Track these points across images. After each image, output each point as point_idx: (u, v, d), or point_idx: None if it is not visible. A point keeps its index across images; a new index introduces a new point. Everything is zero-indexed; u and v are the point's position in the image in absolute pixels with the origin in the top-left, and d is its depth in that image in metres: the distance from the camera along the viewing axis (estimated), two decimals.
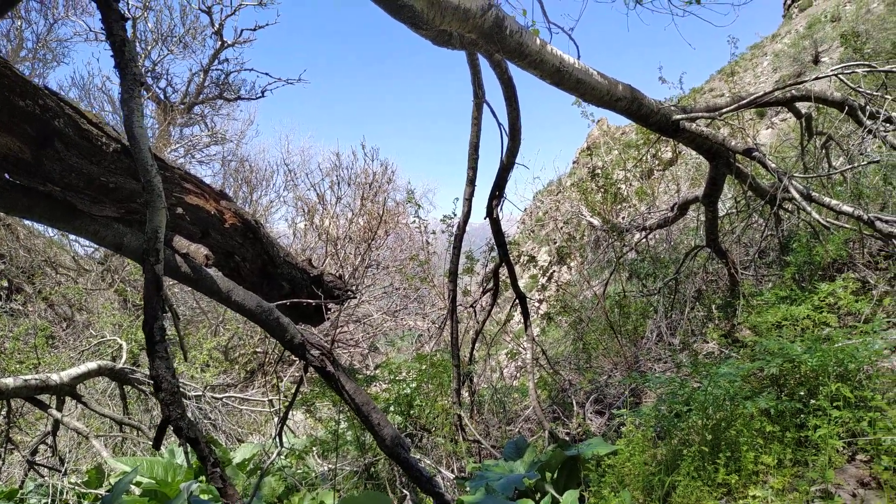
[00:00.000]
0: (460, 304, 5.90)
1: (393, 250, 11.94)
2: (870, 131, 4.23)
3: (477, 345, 5.75)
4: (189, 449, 2.14)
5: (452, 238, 5.58)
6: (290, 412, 6.67)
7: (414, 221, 9.16)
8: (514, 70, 4.26)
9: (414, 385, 5.35)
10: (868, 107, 4.23)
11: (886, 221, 4.12)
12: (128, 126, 2.01)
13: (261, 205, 15.00)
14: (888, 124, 4.30)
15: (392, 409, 5.19)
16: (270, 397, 7.38)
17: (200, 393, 6.62)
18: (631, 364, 5.35)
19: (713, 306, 5.70)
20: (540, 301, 13.65)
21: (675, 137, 4.39)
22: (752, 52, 38.71)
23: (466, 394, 5.48)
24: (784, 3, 47.94)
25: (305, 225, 12.39)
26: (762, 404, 3.16)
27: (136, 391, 6.40)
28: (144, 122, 2.09)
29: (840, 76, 3.98)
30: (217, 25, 16.71)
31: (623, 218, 7.90)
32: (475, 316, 5.83)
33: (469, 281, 7.78)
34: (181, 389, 6.52)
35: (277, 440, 3.33)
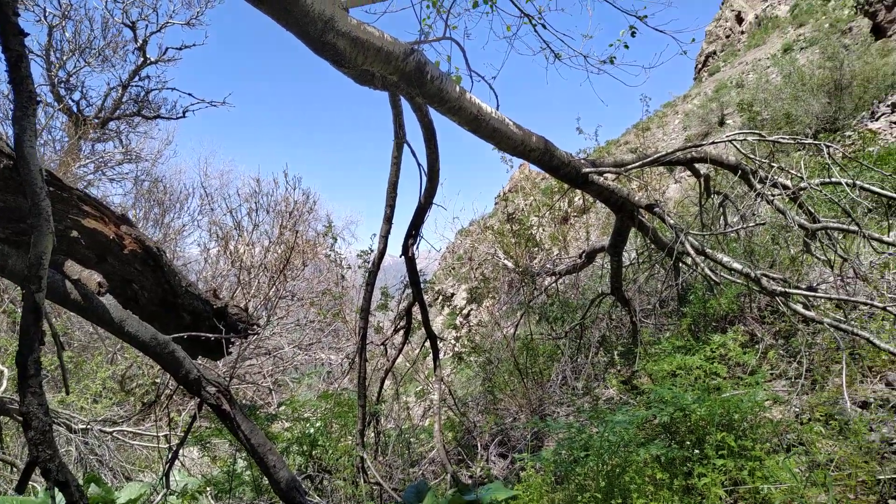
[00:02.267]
0: (371, 342, 5.84)
1: (310, 282, 11.70)
2: (760, 195, 4.56)
3: (387, 384, 5.68)
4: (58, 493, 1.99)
5: (367, 274, 5.54)
6: (187, 449, 6.32)
7: (330, 254, 9.04)
8: (437, 113, 4.34)
9: (318, 424, 5.20)
10: (759, 172, 4.57)
11: (772, 279, 4.42)
12: (18, 145, 1.91)
13: (172, 228, 14.41)
14: (775, 189, 4.65)
15: (293, 449, 5.02)
16: (165, 432, 6.97)
17: (87, 426, 6.16)
18: (535, 407, 5.43)
19: (615, 352, 5.90)
20: (456, 339, 13.71)
21: (584, 189, 4.58)
22: (665, 110, 41.30)
23: (372, 434, 5.39)
24: (695, 67, 51.68)
25: (219, 251, 11.97)
26: (654, 451, 3.27)
27: (17, 423, 5.89)
28: (37, 141, 1.98)
29: (734, 142, 4.30)
30: (141, 41, 16.16)
31: (536, 262, 8.10)
32: (386, 354, 5.78)
33: (383, 318, 7.72)
34: (68, 422, 6.05)
35: (164, 480, 3.14)
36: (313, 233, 12.22)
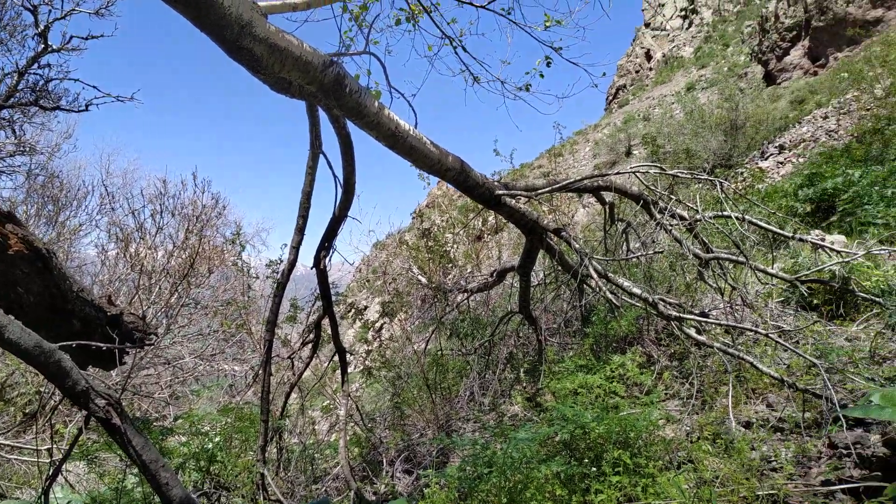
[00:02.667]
0: (277, 355, 5.69)
1: (215, 290, 11.25)
2: (659, 224, 4.84)
3: (292, 398, 5.54)
4: None
5: (276, 285, 5.40)
6: (72, 464, 5.89)
7: (237, 262, 8.74)
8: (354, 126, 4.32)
9: (218, 439, 4.99)
10: (660, 202, 4.85)
11: (668, 304, 4.69)
12: None
13: (67, 227, 13.47)
14: (674, 220, 4.95)
15: (190, 464, 4.79)
16: (48, 446, 6.46)
17: None
18: (443, 423, 5.47)
19: (522, 370, 6.05)
20: (367, 353, 13.58)
21: (497, 210, 4.69)
22: (577, 138, 43.02)
23: (274, 450, 5.23)
24: (607, 98, 54.20)
25: (118, 253, 11.31)
26: (554, 468, 3.36)
27: None
28: None
29: (638, 174, 4.55)
30: (42, 27, 15.08)
31: (450, 279, 8.19)
32: (293, 367, 5.64)
33: (291, 330, 7.54)
34: None
35: (44, 498, 2.91)
36: (221, 239, 11.78)
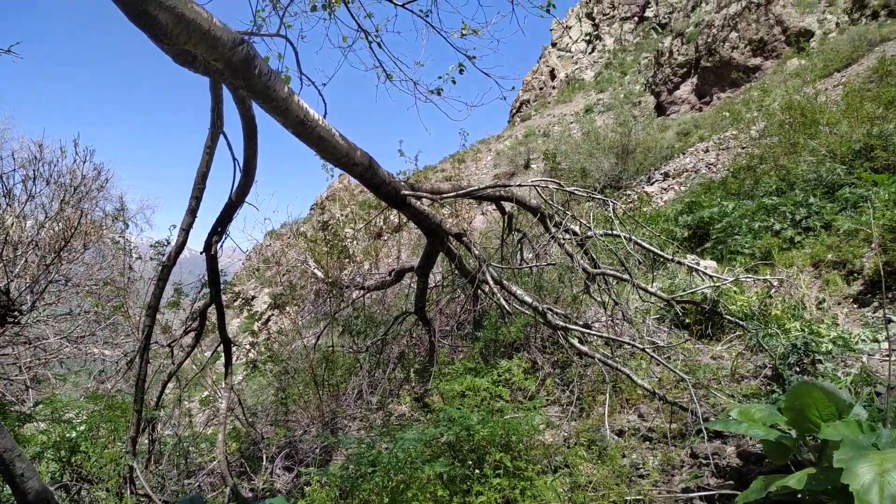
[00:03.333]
0: (156, 342, 5.38)
1: (90, 267, 10.45)
2: (553, 237, 5.05)
3: (169, 387, 5.25)
4: None
5: (160, 267, 5.10)
6: None
7: (118, 240, 8.17)
8: (260, 110, 4.17)
9: (82, 428, 4.64)
10: (555, 217, 5.06)
11: (556, 314, 4.90)
12: None
13: None
14: (567, 234, 5.18)
15: (48, 454, 4.43)
16: None
17: None
18: (328, 420, 5.39)
19: (412, 370, 6.09)
20: (252, 345, 13.12)
21: (401, 210, 4.70)
22: (480, 146, 43.90)
23: (146, 442, 4.94)
24: (510, 111, 55.67)
25: None
26: (438, 469, 3.41)
27: None
28: None
29: (537, 188, 4.73)
30: None
31: (346, 274, 8.09)
32: (172, 356, 5.35)
33: (173, 317, 7.15)
34: None
35: None
36: (101, 213, 10.95)
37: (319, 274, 7.64)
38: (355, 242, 9.92)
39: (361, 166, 4.32)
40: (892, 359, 4.03)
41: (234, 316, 21.80)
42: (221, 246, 4.96)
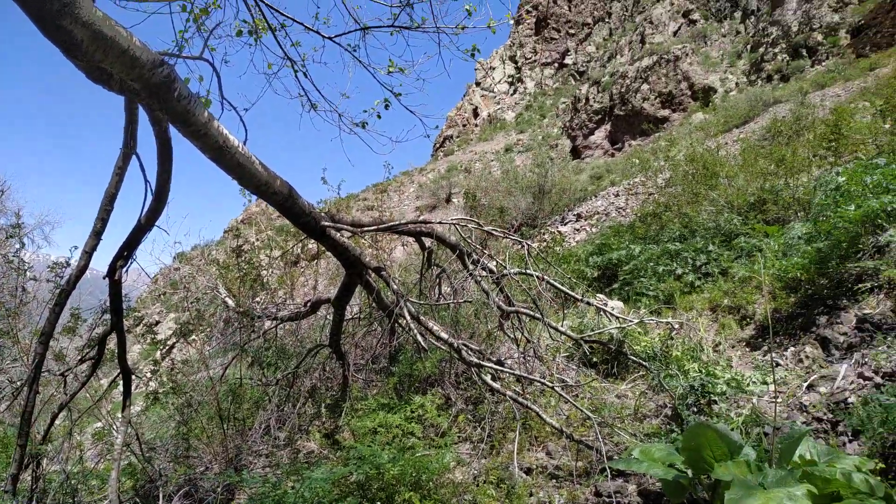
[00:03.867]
0: (48, 370, 5.01)
1: None
2: (471, 274, 5.13)
3: (61, 419, 4.88)
4: None
5: (58, 291, 4.78)
6: None
7: (12, 259, 7.58)
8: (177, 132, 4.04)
9: None
10: (473, 254, 5.16)
11: (471, 350, 4.95)
12: None
13: None
14: (483, 272, 5.28)
15: None
16: None
17: None
18: (232, 457, 5.16)
19: (323, 405, 5.95)
20: (153, 374, 12.40)
21: (320, 241, 4.65)
22: (403, 178, 44.17)
23: (29, 479, 4.55)
24: (434, 145, 56.51)
25: None
26: None
27: None
28: None
29: (456, 226, 4.82)
30: None
31: (259, 303, 7.85)
32: (65, 386, 5.00)
33: (68, 343, 6.67)
34: None
35: None
36: None
37: (230, 302, 7.37)
38: (270, 270, 9.67)
39: (281, 195, 4.26)
40: (778, 400, 4.34)
41: (134, 342, 20.58)
42: (126, 270, 4.73)
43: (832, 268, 5.70)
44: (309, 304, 6.06)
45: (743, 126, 20.37)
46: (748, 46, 33.63)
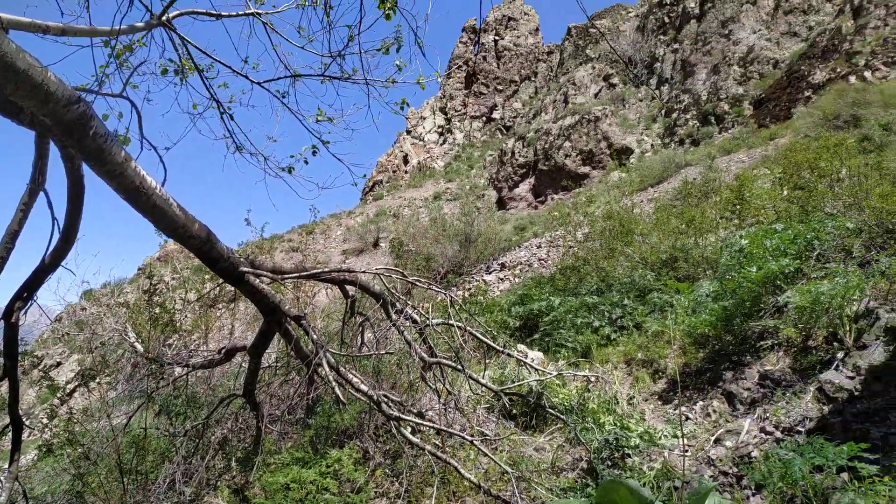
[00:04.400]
0: None
1: None
2: (394, 324, 5.11)
3: None
4: None
5: None
6: None
7: None
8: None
9: None
10: (397, 304, 5.15)
11: (391, 403, 4.89)
12: None
13: None
14: (407, 322, 5.27)
15: None
16: None
17: None
18: None
19: (234, 458, 5.68)
20: (49, 422, 11.49)
21: (238, 287, 4.52)
22: (330, 220, 43.84)
23: None
24: (364, 190, 56.58)
25: None
26: None
27: None
28: None
29: (381, 276, 4.81)
30: None
31: (171, 348, 7.50)
32: None
33: None
34: None
35: None
36: None
37: (139, 347, 7.00)
38: (185, 313, 9.28)
39: (198, 240, 4.14)
40: (688, 454, 4.50)
41: (28, 385, 19.08)
42: (25, 312, 4.43)
43: (737, 325, 6.04)
44: (224, 352, 5.84)
45: (657, 185, 21.56)
46: (662, 111, 35.91)
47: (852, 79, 22.64)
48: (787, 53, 30.51)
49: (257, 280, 4.53)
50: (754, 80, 30.79)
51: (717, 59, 33.65)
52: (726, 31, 34.27)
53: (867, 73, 22.51)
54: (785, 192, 9.81)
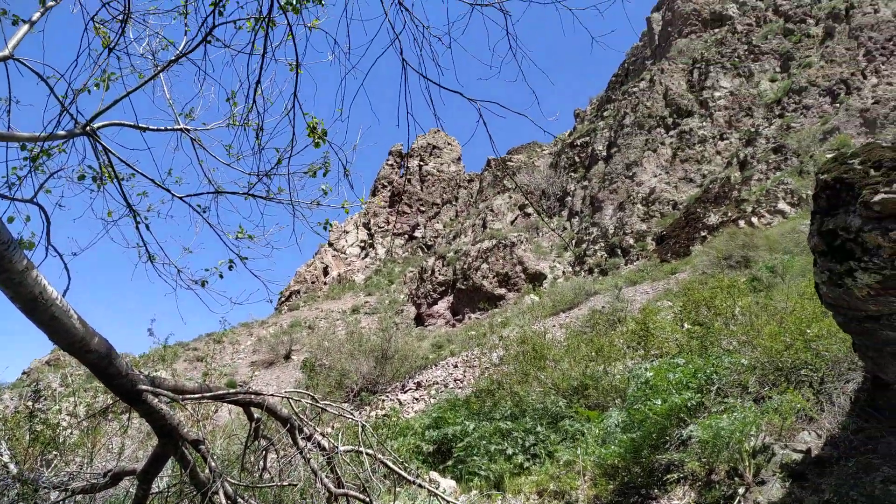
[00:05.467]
0: None
1: None
2: (300, 451, 4.88)
3: None
4: None
5: None
6: None
7: None
8: None
9: None
10: (305, 429, 4.95)
11: None
12: None
13: None
14: (315, 448, 5.05)
15: None
16: None
17: None
18: None
19: None
20: None
21: (134, 406, 4.24)
22: (241, 329, 42.30)
23: None
24: (279, 299, 55.37)
25: None
26: None
27: None
28: None
29: (290, 399, 4.65)
30: None
31: (51, 468, 6.77)
32: None
33: None
34: None
35: None
36: None
37: (13, 468, 6.27)
38: (70, 428, 8.49)
39: (97, 354, 3.91)
40: None
41: None
42: None
43: (645, 457, 6.15)
44: (110, 475, 5.33)
45: (568, 311, 22.36)
46: (573, 241, 38.04)
47: (742, 223, 25.04)
48: (685, 196, 33.56)
49: (156, 399, 4.27)
50: (656, 218, 33.45)
51: (622, 198, 36.51)
52: (630, 174, 37.52)
53: (754, 219, 24.98)
54: (686, 327, 10.42)
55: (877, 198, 3.68)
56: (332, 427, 5.55)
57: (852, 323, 4.44)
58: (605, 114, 49.77)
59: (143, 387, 4.17)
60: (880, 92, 29.04)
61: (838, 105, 30.10)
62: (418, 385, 18.14)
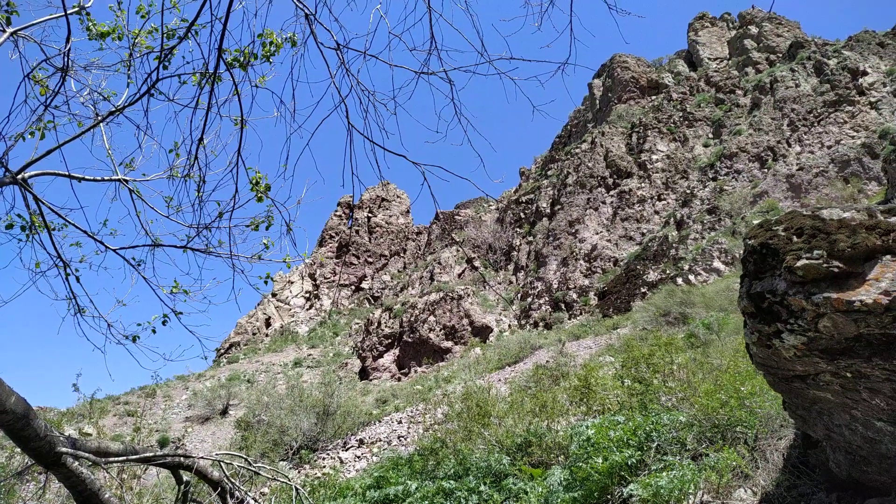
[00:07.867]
0: None
1: None
2: None
3: None
4: None
5: None
6: None
7: None
8: None
9: None
10: (237, 493, 4.73)
11: None
12: None
13: None
14: None
15: None
16: None
17: None
18: None
19: None
20: None
21: (53, 471, 3.97)
22: (177, 381, 40.56)
23: None
24: (218, 351, 53.52)
25: None
26: None
27: None
28: None
29: (222, 463, 4.46)
30: None
31: None
32: None
33: None
34: None
35: None
36: None
37: None
38: None
39: (12, 415, 3.68)
40: None
41: None
42: None
43: None
44: None
45: (514, 365, 22.41)
46: (519, 295, 38.48)
47: (679, 280, 25.91)
48: (625, 253, 34.62)
49: (76, 463, 4.02)
50: (598, 273, 34.29)
51: (566, 253, 37.38)
52: (573, 230, 38.58)
53: (691, 277, 25.90)
54: (627, 383, 10.58)
55: (799, 263, 3.89)
56: (269, 487, 5.29)
57: (781, 382, 4.61)
58: (549, 173, 51.41)
59: (63, 449, 3.93)
60: (804, 159, 31.10)
61: (766, 170, 32.02)
62: (361, 442, 17.64)
